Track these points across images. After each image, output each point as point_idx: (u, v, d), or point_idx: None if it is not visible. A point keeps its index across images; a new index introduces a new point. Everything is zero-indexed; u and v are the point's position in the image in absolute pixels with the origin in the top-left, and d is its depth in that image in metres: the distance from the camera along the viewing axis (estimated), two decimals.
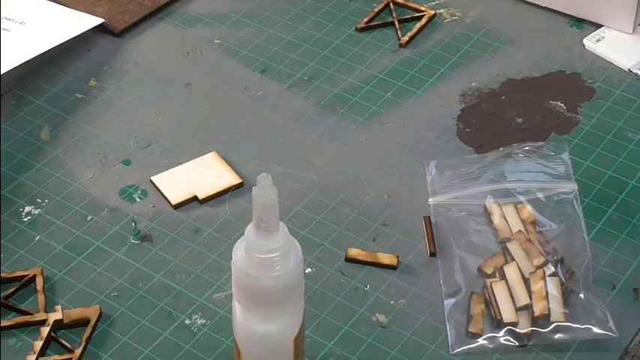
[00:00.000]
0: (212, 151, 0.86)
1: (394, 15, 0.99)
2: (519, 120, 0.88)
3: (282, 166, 0.84)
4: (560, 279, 0.73)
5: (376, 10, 0.99)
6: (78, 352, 0.71)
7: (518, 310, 0.72)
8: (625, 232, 0.79)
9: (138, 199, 0.82)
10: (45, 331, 0.71)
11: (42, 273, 0.76)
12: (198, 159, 0.85)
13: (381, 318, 0.73)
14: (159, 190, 0.83)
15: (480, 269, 0.75)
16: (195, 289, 0.76)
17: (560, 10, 0.99)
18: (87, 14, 0.98)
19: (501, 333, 0.71)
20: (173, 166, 0.84)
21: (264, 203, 0.57)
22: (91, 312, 0.73)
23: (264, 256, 0.58)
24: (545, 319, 0.72)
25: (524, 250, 0.75)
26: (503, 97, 0.91)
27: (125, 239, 0.79)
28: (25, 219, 0.81)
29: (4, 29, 0.95)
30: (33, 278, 0.76)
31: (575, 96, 0.91)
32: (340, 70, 0.94)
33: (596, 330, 0.71)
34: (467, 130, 0.88)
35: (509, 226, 0.78)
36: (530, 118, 0.88)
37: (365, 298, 0.75)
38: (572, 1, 0.97)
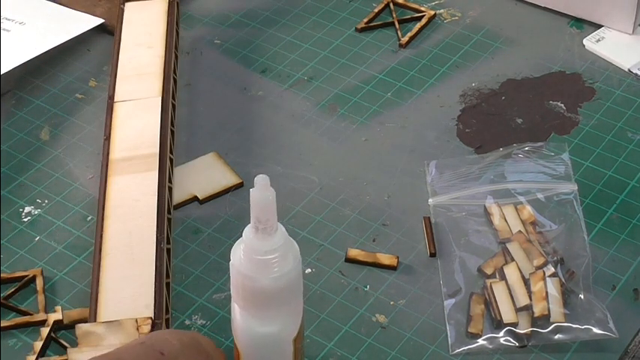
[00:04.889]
0: (212, 151, 0.86)
1: (394, 15, 0.99)
2: (519, 120, 0.88)
3: (281, 167, 0.84)
4: (560, 279, 0.73)
5: (376, 10, 0.99)
6: None
7: (518, 310, 0.72)
8: (625, 233, 0.79)
9: None
10: (45, 331, 0.71)
11: (42, 273, 0.76)
12: (198, 159, 0.85)
13: (381, 318, 0.73)
14: None
15: (479, 270, 0.75)
16: (195, 289, 0.76)
17: (560, 10, 0.99)
18: (87, 14, 0.98)
19: (501, 333, 0.71)
20: (173, 166, 0.84)
21: (262, 204, 0.57)
22: None
23: (262, 257, 0.58)
24: (545, 319, 0.72)
25: (524, 250, 0.75)
26: (503, 97, 0.91)
27: None
28: (25, 219, 0.81)
29: (4, 29, 0.95)
30: (33, 278, 0.76)
31: (575, 96, 0.91)
32: (340, 70, 0.94)
33: (596, 330, 0.71)
34: (467, 130, 0.88)
35: (509, 227, 0.78)
36: (530, 119, 0.88)
37: (365, 299, 0.75)
38: (572, 1, 0.97)
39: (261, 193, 0.56)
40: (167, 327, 0.70)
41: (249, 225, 0.58)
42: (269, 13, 1.00)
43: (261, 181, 0.56)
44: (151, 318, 0.67)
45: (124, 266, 0.72)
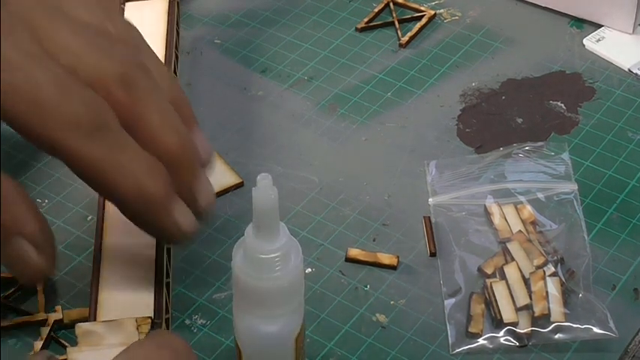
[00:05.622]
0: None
1: (394, 15, 0.99)
2: (519, 120, 0.88)
3: (281, 167, 0.84)
4: (561, 279, 0.73)
5: (376, 10, 0.99)
6: None
7: (518, 310, 0.72)
8: (625, 232, 0.79)
9: None
10: (45, 331, 0.71)
11: None
12: None
13: (381, 318, 0.73)
14: None
15: (480, 269, 0.75)
16: (195, 289, 0.76)
17: (560, 10, 0.99)
18: None
19: (501, 333, 0.71)
20: None
21: (264, 203, 0.57)
22: None
23: (264, 256, 0.58)
24: (545, 319, 0.72)
25: (525, 250, 0.75)
26: (503, 97, 0.91)
27: None
28: None
29: None
30: None
31: (575, 96, 0.91)
32: (340, 70, 0.94)
33: (596, 330, 0.71)
34: (467, 130, 0.88)
35: (509, 226, 0.78)
36: (530, 118, 0.88)
37: (365, 298, 0.75)
38: (572, 1, 0.97)
39: (264, 191, 0.56)
40: (167, 327, 0.70)
41: (250, 224, 0.58)
42: (269, 13, 1.01)
43: (263, 179, 0.56)
44: (150, 317, 0.67)
45: (124, 266, 0.72)
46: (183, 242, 0.69)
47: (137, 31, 0.70)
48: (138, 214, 0.66)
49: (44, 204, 0.82)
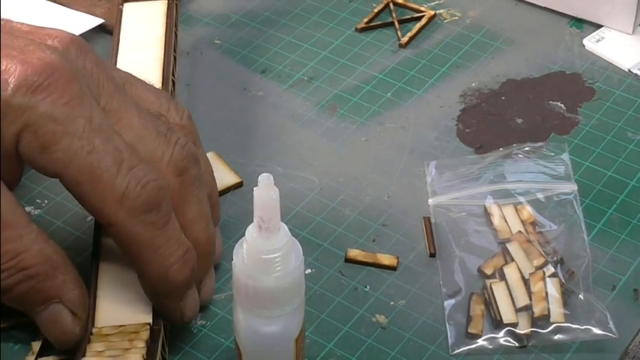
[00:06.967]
0: (212, 151, 0.86)
1: (394, 15, 0.99)
2: (519, 120, 0.88)
3: (281, 167, 0.84)
4: (560, 280, 0.73)
5: (376, 10, 0.99)
6: None
7: (518, 310, 0.72)
8: (625, 233, 0.79)
9: None
10: None
11: None
12: None
13: (381, 319, 0.73)
14: None
15: (479, 270, 0.75)
16: None
17: (560, 10, 0.99)
18: (87, 14, 0.98)
19: (501, 334, 0.71)
20: None
21: (266, 203, 0.57)
22: None
23: (265, 256, 0.58)
24: (545, 319, 0.72)
25: (524, 250, 0.75)
26: (503, 98, 0.91)
27: None
28: None
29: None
30: None
31: (575, 96, 0.91)
32: (340, 70, 0.94)
33: (596, 331, 0.71)
34: (467, 130, 0.88)
35: (509, 227, 0.78)
36: (530, 119, 0.88)
37: (365, 299, 0.75)
38: (572, 1, 0.97)
39: (265, 191, 0.56)
40: (165, 333, 0.69)
41: (252, 224, 0.58)
42: (269, 13, 1.01)
43: (265, 179, 0.56)
44: (149, 324, 0.67)
45: (123, 270, 0.72)
46: (177, 325, 0.71)
47: (193, 121, 0.73)
48: (155, 290, 0.67)
49: (44, 204, 0.82)
